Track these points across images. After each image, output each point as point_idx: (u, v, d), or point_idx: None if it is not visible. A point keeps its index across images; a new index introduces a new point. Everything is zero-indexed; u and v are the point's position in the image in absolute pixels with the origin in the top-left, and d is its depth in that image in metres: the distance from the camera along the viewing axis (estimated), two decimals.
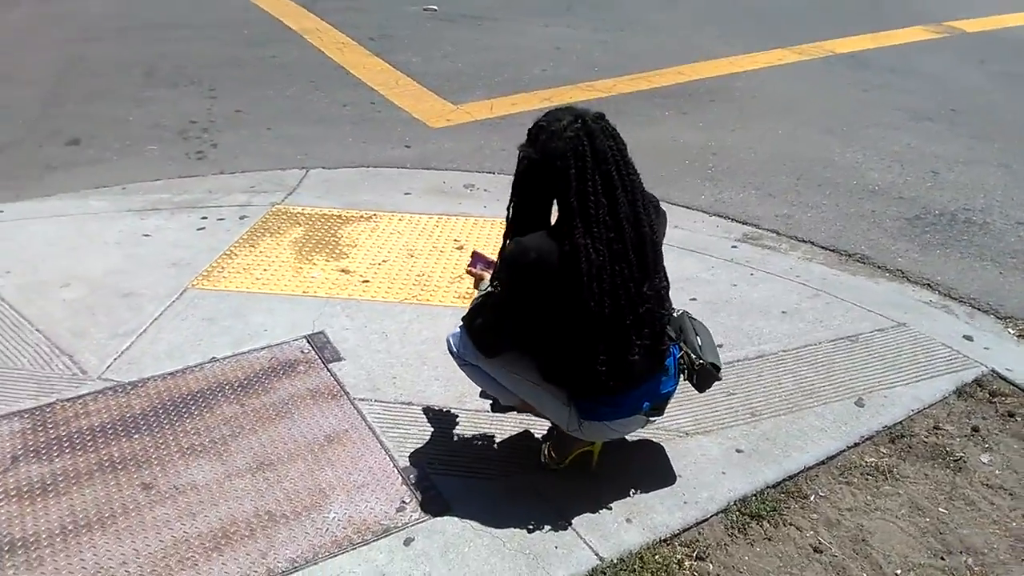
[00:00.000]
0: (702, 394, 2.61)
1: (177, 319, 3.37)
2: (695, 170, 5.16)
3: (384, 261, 3.88)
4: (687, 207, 4.68)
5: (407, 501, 2.47)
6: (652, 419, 2.49)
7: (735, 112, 6.08)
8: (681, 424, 2.84)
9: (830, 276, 3.90)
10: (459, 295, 3.60)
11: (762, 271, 3.89)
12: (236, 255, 3.87)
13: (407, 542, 2.34)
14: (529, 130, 2.25)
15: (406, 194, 4.69)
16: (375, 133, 5.57)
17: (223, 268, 3.75)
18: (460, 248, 4.03)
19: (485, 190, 4.78)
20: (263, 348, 3.20)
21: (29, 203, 4.40)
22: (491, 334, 2.32)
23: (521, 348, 2.34)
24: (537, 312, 2.22)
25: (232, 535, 2.34)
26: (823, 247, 4.30)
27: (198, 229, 4.13)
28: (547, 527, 2.38)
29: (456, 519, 2.42)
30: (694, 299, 3.63)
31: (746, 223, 4.53)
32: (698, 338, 2.48)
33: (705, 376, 2.45)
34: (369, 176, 4.92)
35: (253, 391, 2.93)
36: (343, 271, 3.78)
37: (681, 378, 2.47)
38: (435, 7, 8.31)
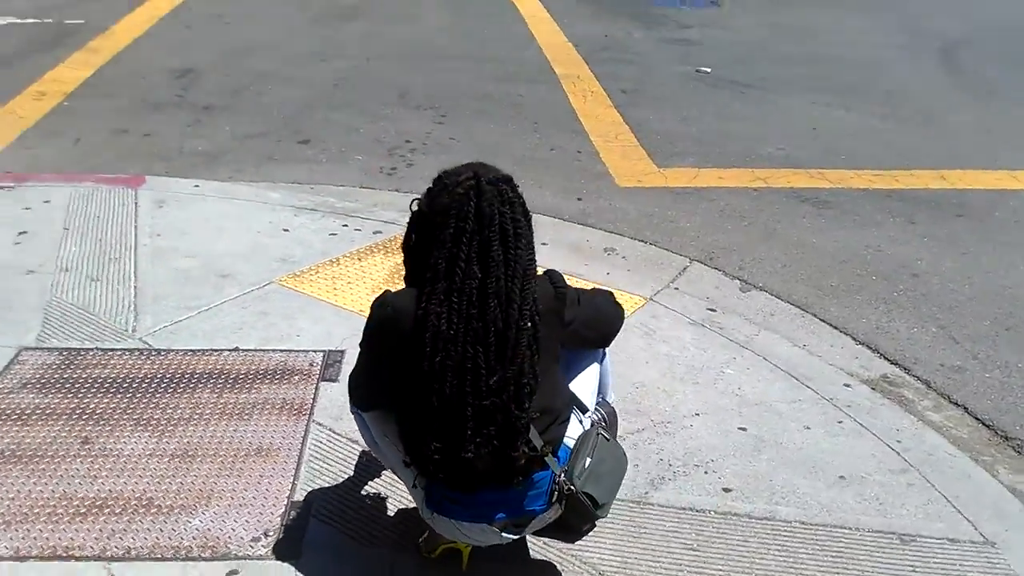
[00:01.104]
0: (578, 537, 2.22)
1: (239, 306, 3.65)
2: (877, 288, 4.40)
3: None
4: (833, 327, 4.02)
5: (269, 534, 2.43)
6: (510, 536, 2.16)
7: (979, 233, 5.08)
8: (597, 561, 2.44)
9: (943, 455, 3.10)
10: None
11: (857, 422, 3.21)
12: (339, 264, 4.09)
13: (230, 574, 2.29)
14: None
15: (543, 244, 4.57)
16: (557, 180, 5.54)
17: (316, 272, 3.98)
18: None
19: (623, 257, 4.53)
20: (282, 351, 3.34)
21: (225, 184, 5.03)
22: (352, 383, 2.21)
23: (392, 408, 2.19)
24: (391, 373, 2.06)
25: (106, 507, 2.49)
26: (976, 418, 3.44)
27: (330, 234, 4.43)
28: None
29: (292, 569, 2.32)
30: (743, 428, 3.12)
31: (895, 363, 3.77)
32: (587, 460, 2.11)
33: (574, 507, 2.08)
34: None
35: (238, 387, 3.07)
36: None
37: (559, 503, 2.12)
38: (708, 69, 8.04)
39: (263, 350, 3.34)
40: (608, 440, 2.21)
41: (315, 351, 3.35)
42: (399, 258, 4.02)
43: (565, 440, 2.17)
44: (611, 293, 2.42)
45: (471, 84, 7.35)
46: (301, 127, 6.22)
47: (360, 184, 5.30)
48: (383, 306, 2.06)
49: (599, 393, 2.47)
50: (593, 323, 2.26)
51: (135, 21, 8.70)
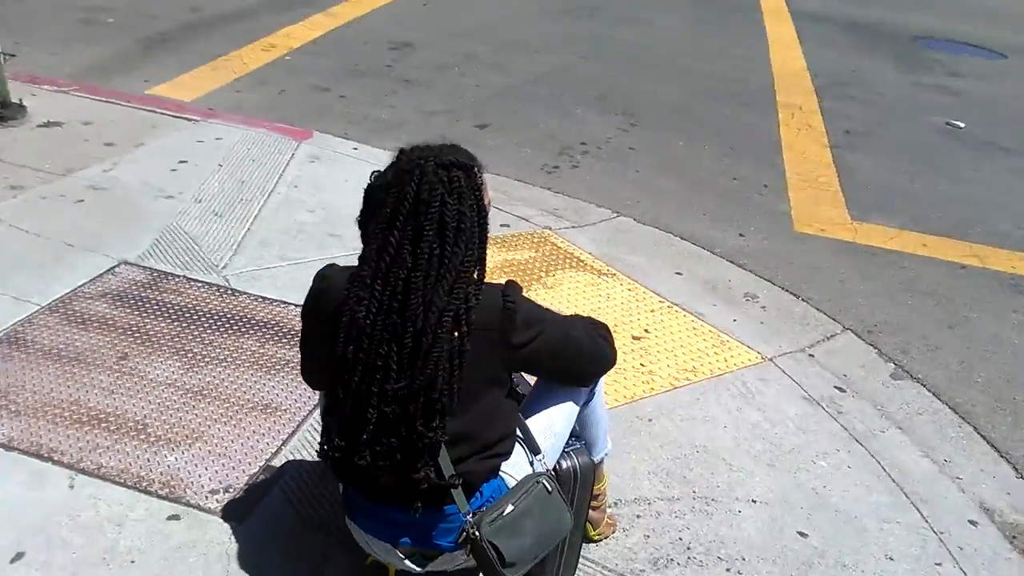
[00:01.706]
0: None
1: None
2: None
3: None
4: (994, 448, 3.28)
5: (229, 491, 2.34)
6: (414, 567, 1.89)
7: None
8: None
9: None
10: None
11: (962, 571, 2.56)
12: None
13: (170, 518, 2.23)
14: None
15: (677, 273, 4.19)
16: (725, 210, 5.06)
17: None
18: (636, 339, 3.50)
19: (761, 306, 4.02)
20: None
21: (381, 152, 5.09)
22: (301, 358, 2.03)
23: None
24: (319, 350, 1.87)
25: (104, 422, 2.53)
26: None
27: None
28: None
29: (229, 530, 2.22)
30: (804, 534, 2.60)
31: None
32: (508, 508, 1.79)
33: (478, 557, 1.76)
34: (667, 243, 4.51)
35: (282, 342, 3.04)
36: None
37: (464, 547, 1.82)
38: (961, 124, 7.05)
39: None
40: (550, 493, 1.86)
41: None
42: (513, 254, 3.89)
43: (503, 477, 1.86)
44: (603, 327, 2.06)
45: (678, 97, 6.96)
46: (485, 112, 6.19)
47: (516, 176, 5.15)
48: (322, 278, 1.86)
49: (577, 440, 2.12)
50: (559, 356, 1.91)
51: None
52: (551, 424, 2.01)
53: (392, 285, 1.69)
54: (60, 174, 4.07)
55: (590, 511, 2.28)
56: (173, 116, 5.02)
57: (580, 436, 2.17)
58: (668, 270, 4.16)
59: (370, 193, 1.81)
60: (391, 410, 1.70)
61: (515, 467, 1.92)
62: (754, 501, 2.67)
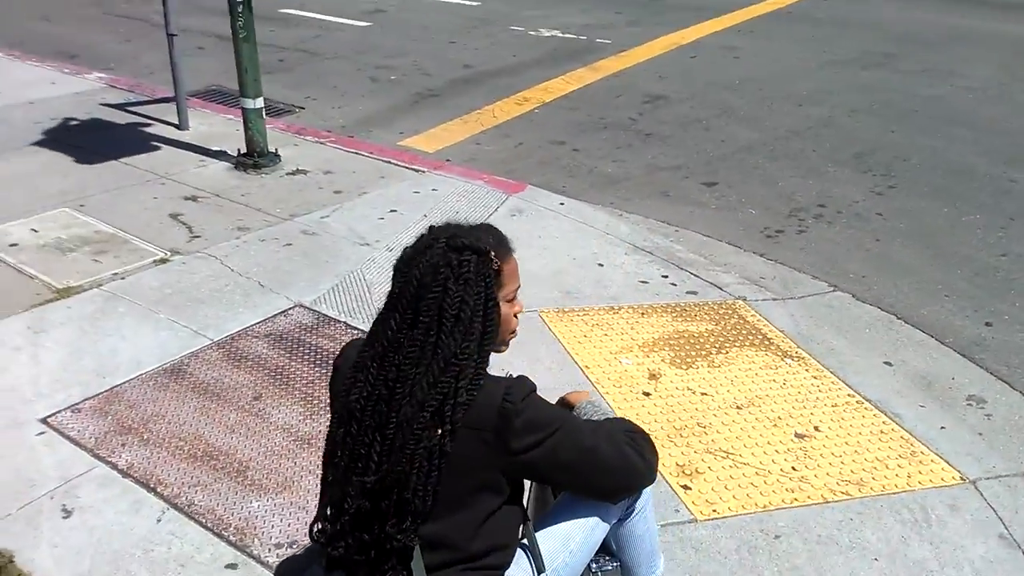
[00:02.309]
0: None
1: None
2: None
3: (700, 401, 3.23)
4: None
5: (292, 547, 2.38)
6: None
7: None
8: None
9: None
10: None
11: None
12: (616, 313, 3.78)
13: (228, 566, 2.31)
14: None
15: (886, 363, 3.60)
16: (976, 292, 4.26)
17: (586, 314, 3.74)
18: (800, 437, 3.04)
19: (986, 415, 3.30)
20: None
21: (586, 207, 5.01)
22: None
23: None
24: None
25: (214, 459, 2.70)
26: None
27: (641, 281, 4.12)
28: None
29: None
30: None
31: None
32: None
33: None
34: (886, 326, 3.89)
35: None
36: (652, 376, 3.32)
37: None
38: None
39: None
40: None
41: None
42: (687, 325, 3.59)
43: None
44: (640, 434, 1.76)
45: (959, 156, 6.03)
46: (719, 169, 5.84)
47: (728, 239, 4.77)
48: (340, 354, 1.81)
49: (613, 560, 1.83)
50: (572, 468, 1.66)
51: (652, 48, 9.10)
52: (566, 541, 1.76)
53: (386, 371, 1.60)
54: (284, 219, 4.51)
55: None
56: (403, 167, 5.36)
57: (616, 557, 1.88)
58: (876, 359, 3.57)
59: (394, 270, 1.73)
60: (363, 504, 1.59)
61: None
62: None
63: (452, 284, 1.58)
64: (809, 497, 2.72)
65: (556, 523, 1.78)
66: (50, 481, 2.58)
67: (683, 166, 5.88)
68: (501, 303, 1.68)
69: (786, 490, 2.74)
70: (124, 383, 3.06)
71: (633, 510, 1.83)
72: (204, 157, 5.33)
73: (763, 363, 3.46)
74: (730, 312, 3.86)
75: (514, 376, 1.70)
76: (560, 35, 9.69)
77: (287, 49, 8.77)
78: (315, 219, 4.52)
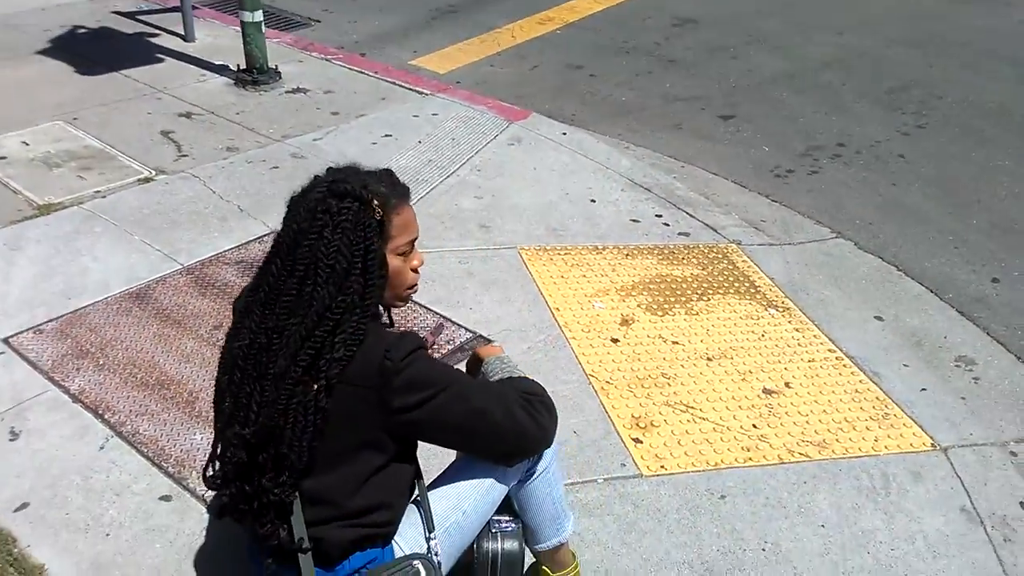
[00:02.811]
0: None
1: (461, 260, 3.54)
2: None
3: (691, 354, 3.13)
4: None
5: None
6: None
7: None
8: None
9: None
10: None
11: None
12: (600, 253, 3.66)
13: (162, 498, 2.33)
14: None
15: (876, 318, 3.45)
16: (990, 246, 4.05)
17: (568, 253, 3.63)
18: (768, 393, 2.94)
19: (974, 377, 3.16)
20: (435, 315, 3.16)
21: (590, 137, 4.83)
22: None
23: None
24: None
25: (166, 388, 2.70)
26: None
27: (632, 220, 3.98)
28: None
29: (205, 523, 2.26)
30: None
31: None
32: None
33: None
34: (884, 278, 3.73)
35: None
36: (624, 321, 3.23)
37: None
38: None
39: (421, 306, 3.18)
40: None
41: (464, 330, 3.07)
42: (671, 269, 3.47)
43: (395, 548, 1.63)
44: (538, 396, 1.68)
45: (995, 96, 5.66)
46: (739, 101, 5.57)
47: (735, 177, 4.58)
48: (241, 292, 1.74)
49: (516, 520, 1.78)
50: (458, 429, 1.60)
51: None
52: (459, 501, 1.72)
53: (267, 320, 1.54)
54: (276, 140, 4.43)
55: None
56: (407, 88, 5.21)
57: (520, 518, 1.84)
58: (866, 312, 3.42)
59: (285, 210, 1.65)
60: (241, 456, 1.56)
61: (406, 540, 1.68)
62: None
63: (328, 232, 1.50)
64: (764, 457, 2.64)
65: (451, 483, 1.74)
66: (2, 403, 2.61)
67: (702, 96, 5.63)
68: (391, 256, 1.60)
69: (742, 448, 2.66)
70: (88, 306, 3.06)
71: (534, 472, 1.77)
72: (205, 71, 5.24)
73: (744, 312, 3.34)
74: (720, 256, 3.72)
75: (402, 331, 1.62)
76: None
77: None
78: (307, 141, 4.43)
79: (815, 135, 5.10)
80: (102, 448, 2.47)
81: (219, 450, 1.62)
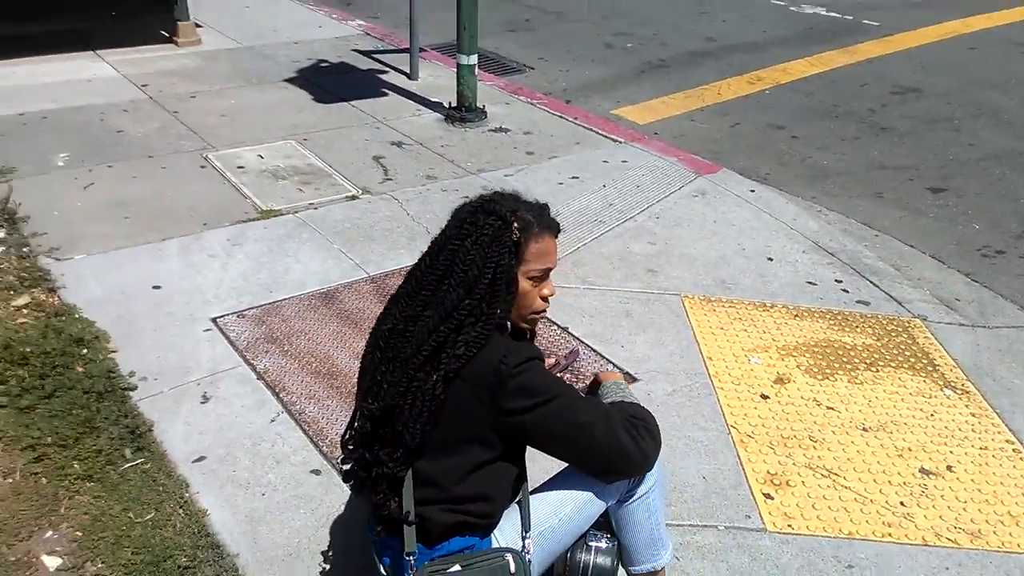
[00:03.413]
0: None
1: (614, 302, 3.63)
2: None
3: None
4: None
5: None
6: None
7: None
8: None
9: None
10: None
11: None
12: (767, 311, 3.61)
13: (313, 471, 2.60)
14: None
15: None
16: None
17: (734, 307, 3.61)
18: (925, 473, 2.79)
19: None
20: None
21: (781, 196, 4.77)
22: None
23: None
24: None
25: (334, 379, 3.00)
26: None
27: (808, 282, 3.88)
28: None
29: (346, 500, 2.50)
30: None
31: None
32: (455, 568, 1.68)
33: None
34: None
35: None
36: (778, 380, 3.17)
37: None
38: None
39: (568, 333, 3.29)
40: (512, 573, 1.68)
41: (611, 364, 3.14)
42: (841, 335, 3.39)
43: (493, 540, 1.76)
44: (643, 421, 1.74)
45: None
46: (954, 175, 5.27)
47: (935, 253, 4.34)
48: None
49: (612, 539, 1.84)
50: (561, 439, 1.70)
51: (925, 34, 8.28)
52: (557, 508, 1.81)
53: (409, 309, 1.74)
54: (471, 172, 4.76)
55: None
56: (602, 135, 5.40)
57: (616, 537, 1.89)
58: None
59: None
60: (366, 427, 1.76)
61: (505, 536, 1.80)
62: None
63: (469, 242, 1.67)
64: (907, 536, 2.49)
65: (552, 490, 1.83)
66: (201, 370, 3.01)
67: (912, 167, 5.37)
68: (522, 279, 1.73)
69: (883, 523, 2.53)
70: (284, 299, 3.45)
71: (634, 494, 1.82)
72: (421, 107, 5.72)
73: (916, 389, 3.16)
74: (900, 330, 3.54)
75: (523, 343, 1.75)
76: (823, 12, 9.09)
77: (536, 9, 9.02)
78: (498, 176, 4.71)
79: None
80: (272, 421, 2.78)
81: (354, 419, 1.82)
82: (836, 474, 2.71)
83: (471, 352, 1.65)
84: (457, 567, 1.68)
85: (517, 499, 1.82)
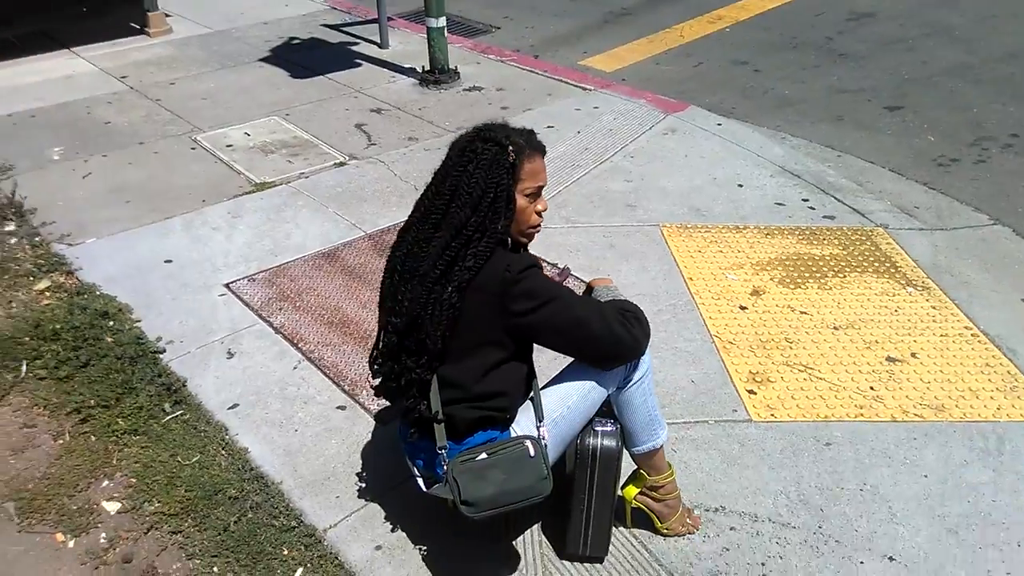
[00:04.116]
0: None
1: (591, 237, 3.87)
2: None
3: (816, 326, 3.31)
4: None
5: None
6: (427, 491, 2.16)
7: None
8: None
9: None
10: None
11: None
12: (741, 232, 3.86)
13: (338, 407, 2.85)
14: None
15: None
16: None
17: (708, 232, 3.86)
18: (891, 360, 3.07)
19: None
20: None
21: (745, 127, 5.01)
22: None
23: None
24: None
25: (345, 327, 3.24)
26: None
27: (776, 203, 4.14)
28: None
29: (372, 429, 2.76)
30: None
31: None
32: (483, 456, 1.93)
33: (448, 487, 1.97)
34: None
35: None
36: (754, 292, 3.44)
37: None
38: None
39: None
40: (532, 457, 1.95)
41: None
42: (808, 248, 3.65)
43: (511, 432, 2.02)
44: (632, 314, 2.00)
45: None
46: (909, 92, 5.52)
47: (894, 166, 4.61)
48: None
49: (610, 422, 2.10)
50: (563, 333, 1.95)
51: None
52: (565, 398, 2.06)
53: (419, 232, 1.97)
54: (450, 131, 4.96)
55: (652, 502, 2.27)
56: (572, 85, 5.61)
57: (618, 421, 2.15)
58: (1013, 295, 3.42)
59: None
60: (393, 341, 2.00)
61: (522, 428, 2.05)
62: (891, 559, 2.26)
63: (471, 167, 1.90)
64: (877, 415, 2.77)
65: (559, 383, 2.08)
66: (223, 330, 3.24)
67: (869, 88, 5.62)
68: (519, 196, 1.97)
69: (855, 406, 2.81)
70: (290, 262, 3.68)
71: (630, 380, 2.08)
72: (395, 73, 5.90)
73: (880, 289, 3.44)
74: (863, 238, 3.81)
75: (523, 253, 1.99)
76: None
77: None
78: None
79: (986, 125, 4.98)
80: (295, 368, 3.02)
81: (379, 339, 2.06)
82: (811, 368, 2.99)
83: (479, 264, 1.90)
84: (484, 455, 1.93)
85: (530, 395, 2.08)
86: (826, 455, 2.60)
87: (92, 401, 2.88)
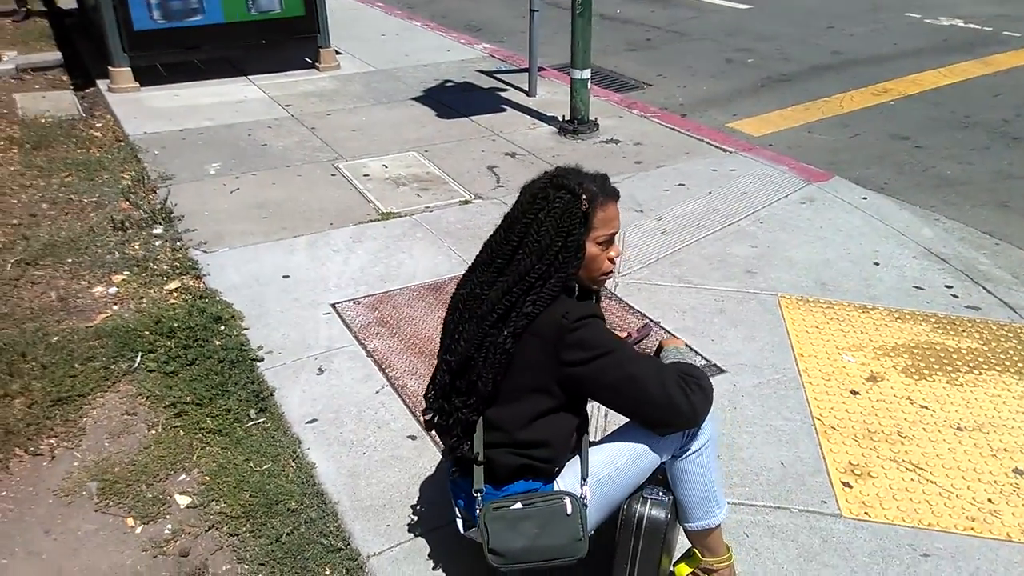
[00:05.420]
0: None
1: (702, 298, 3.71)
2: None
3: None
4: None
5: None
6: (465, 533, 2.10)
7: None
8: None
9: None
10: None
11: None
12: (867, 312, 3.60)
13: (410, 437, 2.85)
14: None
15: None
16: None
17: (832, 308, 3.62)
18: (1019, 473, 2.75)
19: None
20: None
21: (892, 203, 4.70)
22: None
23: None
24: None
25: None
26: None
27: (915, 287, 3.83)
28: None
29: (434, 459, 2.74)
30: None
31: None
32: (517, 505, 1.86)
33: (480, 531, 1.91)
34: None
35: None
36: (871, 377, 3.17)
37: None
38: None
39: (655, 324, 3.40)
40: (568, 517, 1.84)
41: (697, 355, 3.24)
42: (943, 338, 3.38)
43: (554, 485, 1.94)
44: (695, 380, 1.86)
45: None
46: None
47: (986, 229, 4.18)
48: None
49: (663, 492, 1.96)
50: (616, 390, 1.85)
51: None
52: (614, 458, 1.95)
53: (484, 274, 1.95)
54: None
55: None
56: (712, 145, 5.48)
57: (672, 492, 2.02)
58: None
59: None
60: (445, 379, 1.97)
61: (566, 483, 1.96)
62: None
63: (542, 215, 1.86)
64: (991, 530, 2.46)
65: (610, 442, 1.97)
66: (319, 347, 3.33)
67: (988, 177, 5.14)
68: (591, 244, 1.90)
69: (966, 517, 2.50)
70: (396, 289, 3.75)
71: (687, 450, 1.94)
72: (537, 121, 5.98)
73: (1020, 392, 3.08)
74: (1010, 335, 3.44)
75: (584, 303, 1.92)
76: (960, 24, 8.78)
77: (658, 28, 9.16)
78: None
79: None
80: (377, 392, 3.05)
81: (435, 374, 2.04)
82: (922, 469, 2.70)
83: (538, 310, 1.84)
84: (519, 505, 1.86)
85: (577, 449, 1.98)
86: (922, 567, 2.32)
87: (188, 398, 3.01)
